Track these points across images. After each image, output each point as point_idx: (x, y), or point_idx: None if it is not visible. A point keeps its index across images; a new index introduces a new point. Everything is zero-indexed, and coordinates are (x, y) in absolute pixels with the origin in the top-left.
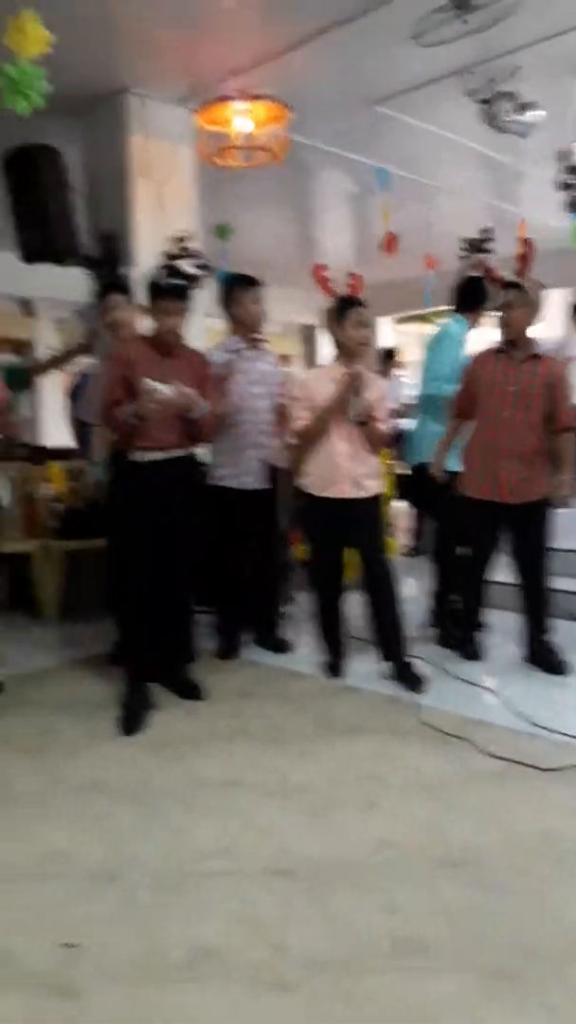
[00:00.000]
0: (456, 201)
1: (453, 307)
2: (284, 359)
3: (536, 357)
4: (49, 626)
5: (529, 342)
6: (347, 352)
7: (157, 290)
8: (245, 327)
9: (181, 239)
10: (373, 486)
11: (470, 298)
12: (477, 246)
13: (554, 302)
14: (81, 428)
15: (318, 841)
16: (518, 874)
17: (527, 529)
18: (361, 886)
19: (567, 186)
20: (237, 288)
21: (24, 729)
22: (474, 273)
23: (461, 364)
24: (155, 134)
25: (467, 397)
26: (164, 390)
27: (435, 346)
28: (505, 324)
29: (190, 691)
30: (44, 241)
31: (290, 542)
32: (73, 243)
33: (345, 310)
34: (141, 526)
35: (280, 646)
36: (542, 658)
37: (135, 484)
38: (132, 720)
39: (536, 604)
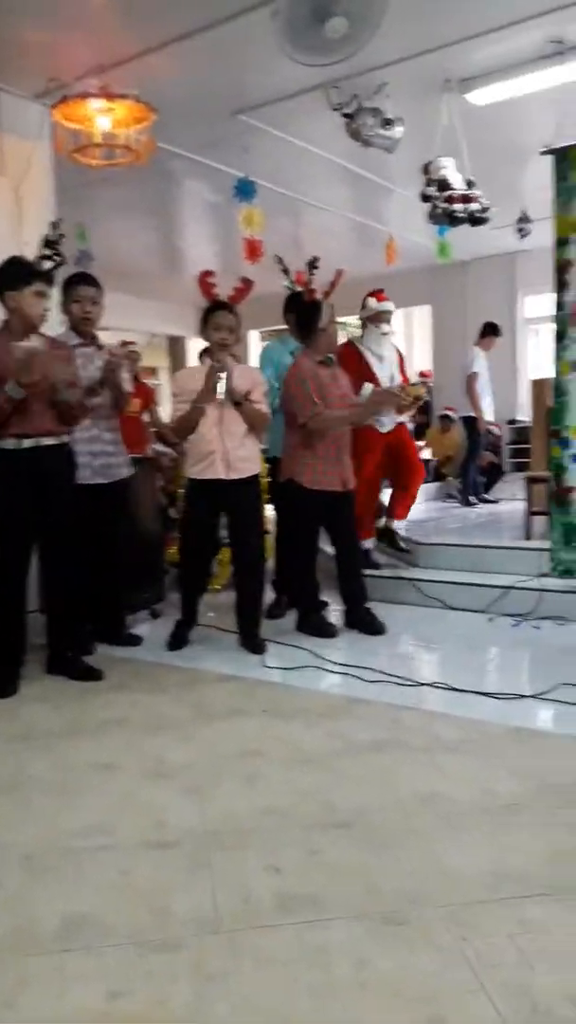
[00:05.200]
0: (325, 217)
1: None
2: (151, 371)
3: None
4: None
5: None
6: (211, 352)
7: (34, 274)
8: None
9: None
10: (249, 468)
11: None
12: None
13: (421, 319)
14: None
15: (199, 813)
16: (402, 832)
17: None
18: (244, 850)
19: (427, 198)
20: (71, 287)
21: None
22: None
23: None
24: (10, 129)
25: None
26: (27, 344)
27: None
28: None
29: (88, 674)
30: None
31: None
32: None
33: (210, 313)
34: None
35: (132, 640)
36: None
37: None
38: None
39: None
